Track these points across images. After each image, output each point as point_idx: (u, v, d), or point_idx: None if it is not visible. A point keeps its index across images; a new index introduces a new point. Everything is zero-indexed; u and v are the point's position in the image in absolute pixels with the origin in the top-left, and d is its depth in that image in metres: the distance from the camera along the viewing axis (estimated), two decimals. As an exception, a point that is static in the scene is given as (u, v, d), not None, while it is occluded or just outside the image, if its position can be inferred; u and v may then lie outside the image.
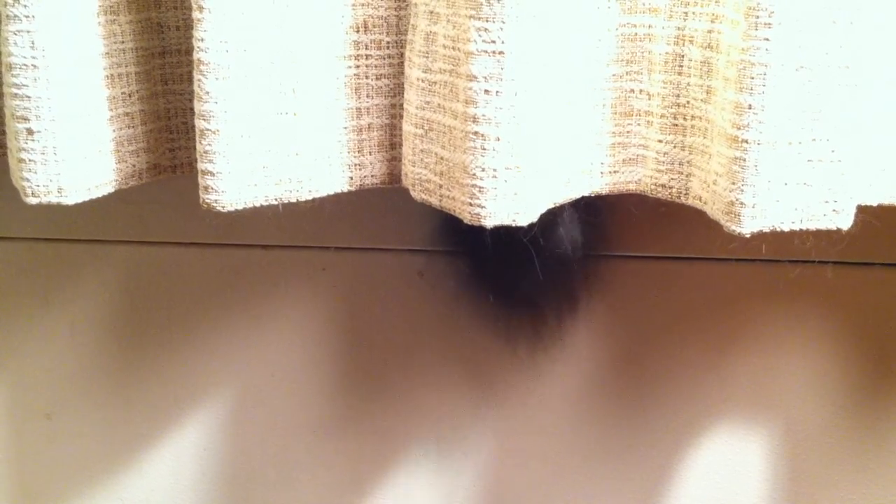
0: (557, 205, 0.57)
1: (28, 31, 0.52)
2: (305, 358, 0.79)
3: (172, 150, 0.61)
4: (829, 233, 0.54)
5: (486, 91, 0.50)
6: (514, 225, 0.53)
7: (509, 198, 0.52)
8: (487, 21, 0.49)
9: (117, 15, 0.56)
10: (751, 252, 0.71)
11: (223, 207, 0.55)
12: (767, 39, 0.48)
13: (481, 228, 0.53)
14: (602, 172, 0.58)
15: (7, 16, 0.52)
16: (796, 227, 0.53)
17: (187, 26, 0.59)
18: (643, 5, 0.55)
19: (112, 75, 0.57)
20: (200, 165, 0.54)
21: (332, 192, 0.59)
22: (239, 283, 0.77)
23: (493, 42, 0.50)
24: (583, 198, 0.58)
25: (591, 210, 0.66)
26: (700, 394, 0.76)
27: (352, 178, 0.59)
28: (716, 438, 0.77)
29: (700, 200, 0.55)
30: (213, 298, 0.78)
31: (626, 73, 0.56)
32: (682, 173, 0.56)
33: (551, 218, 0.62)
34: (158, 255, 0.77)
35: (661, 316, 0.75)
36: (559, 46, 0.53)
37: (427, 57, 0.54)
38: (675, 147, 0.56)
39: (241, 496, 0.82)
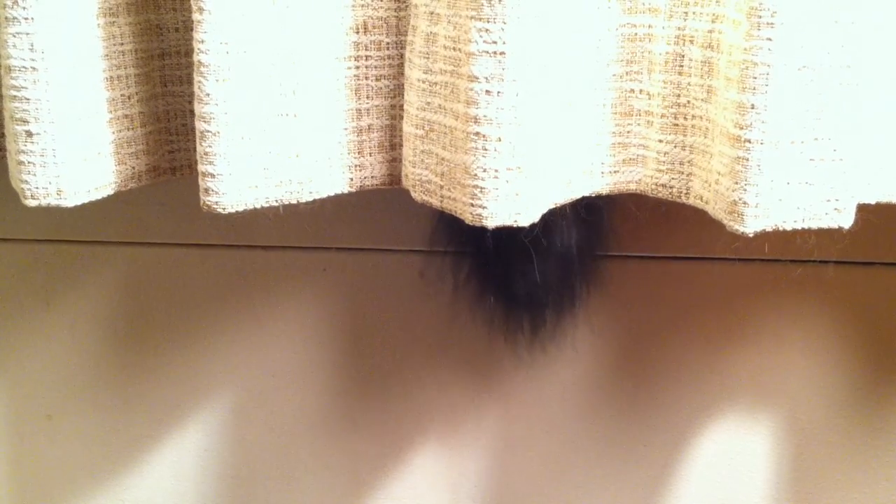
0: (558, 205, 0.57)
1: (27, 34, 0.52)
2: (306, 358, 0.79)
3: (172, 152, 0.61)
4: (830, 231, 0.54)
5: (488, 92, 0.50)
6: (515, 225, 0.53)
7: (511, 198, 0.52)
8: (489, 21, 0.49)
9: (116, 17, 0.56)
10: (753, 252, 0.71)
11: (224, 209, 0.55)
12: (770, 39, 0.48)
13: (482, 229, 0.53)
14: (603, 172, 0.58)
15: (6, 18, 0.52)
16: (799, 226, 0.53)
17: (187, 28, 0.59)
18: (643, 5, 0.55)
19: (111, 77, 0.57)
20: (201, 167, 0.54)
21: (332, 194, 0.59)
22: (240, 284, 0.77)
23: (495, 42, 0.50)
24: (583, 198, 0.58)
25: (591, 210, 0.66)
26: (701, 393, 0.76)
27: (352, 179, 0.59)
28: (717, 437, 0.77)
29: (701, 200, 0.55)
30: (214, 299, 0.78)
31: (627, 73, 0.56)
32: (682, 173, 0.56)
33: (552, 218, 0.62)
34: (159, 256, 0.77)
35: (663, 316, 0.75)
36: (560, 47, 0.53)
37: (428, 58, 0.53)
38: (675, 147, 0.56)
39: (243, 496, 0.82)
